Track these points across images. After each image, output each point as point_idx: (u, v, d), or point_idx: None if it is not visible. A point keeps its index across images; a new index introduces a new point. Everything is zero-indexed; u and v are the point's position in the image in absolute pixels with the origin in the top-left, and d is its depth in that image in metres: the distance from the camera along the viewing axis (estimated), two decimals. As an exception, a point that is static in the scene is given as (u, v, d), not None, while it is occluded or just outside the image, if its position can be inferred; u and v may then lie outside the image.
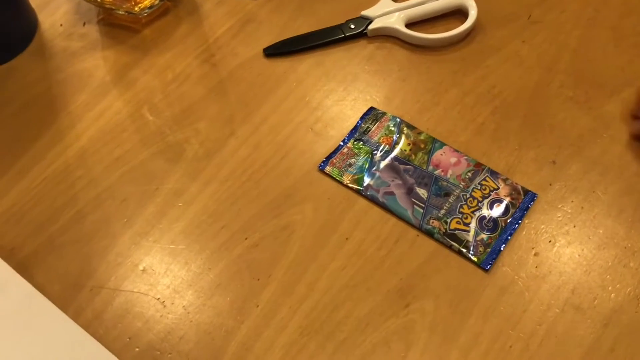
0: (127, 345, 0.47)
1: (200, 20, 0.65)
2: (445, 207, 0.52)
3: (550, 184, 0.53)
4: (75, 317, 0.48)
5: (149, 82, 0.60)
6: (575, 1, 0.65)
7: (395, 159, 0.55)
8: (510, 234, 0.51)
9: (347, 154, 0.55)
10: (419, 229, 0.51)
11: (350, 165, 0.54)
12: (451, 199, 0.52)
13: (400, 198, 0.52)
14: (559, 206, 0.52)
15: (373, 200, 0.53)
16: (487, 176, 0.53)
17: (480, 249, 0.50)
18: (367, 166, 0.54)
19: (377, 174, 0.54)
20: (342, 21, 0.64)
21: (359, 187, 0.53)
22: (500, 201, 0.52)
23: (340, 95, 0.59)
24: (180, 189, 0.54)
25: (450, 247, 0.50)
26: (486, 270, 0.49)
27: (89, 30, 0.64)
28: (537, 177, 0.54)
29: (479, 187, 0.53)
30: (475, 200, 0.52)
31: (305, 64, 0.61)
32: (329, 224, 0.52)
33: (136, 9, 0.62)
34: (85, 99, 0.60)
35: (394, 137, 0.56)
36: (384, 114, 0.57)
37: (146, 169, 0.55)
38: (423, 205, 0.52)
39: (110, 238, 0.52)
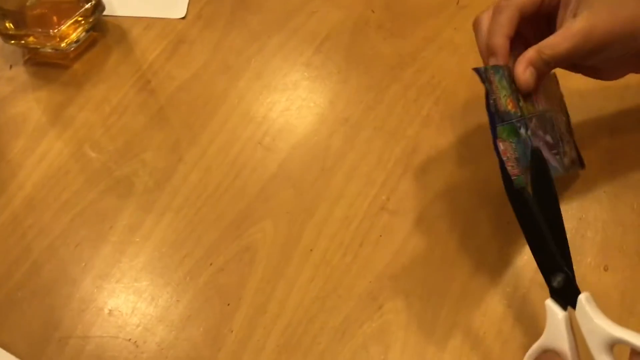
0: (105, 392, 0.46)
1: (130, 47, 0.63)
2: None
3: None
4: (47, 371, 0.47)
5: (87, 118, 0.59)
6: (499, -19, 0.66)
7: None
8: None
9: (506, 152, 0.42)
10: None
11: (517, 160, 0.43)
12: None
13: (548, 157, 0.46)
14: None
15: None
16: None
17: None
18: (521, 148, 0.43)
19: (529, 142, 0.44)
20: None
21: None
22: None
23: (284, 106, 0.59)
24: (135, 224, 0.53)
25: None
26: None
27: (17, 73, 0.62)
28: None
29: None
30: None
31: (244, 79, 0.61)
32: (291, 238, 0.52)
33: (62, 44, 0.61)
34: (23, 145, 0.58)
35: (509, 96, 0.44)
36: (485, 69, 0.43)
37: (97, 209, 0.54)
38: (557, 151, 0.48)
39: (70, 285, 0.50)
